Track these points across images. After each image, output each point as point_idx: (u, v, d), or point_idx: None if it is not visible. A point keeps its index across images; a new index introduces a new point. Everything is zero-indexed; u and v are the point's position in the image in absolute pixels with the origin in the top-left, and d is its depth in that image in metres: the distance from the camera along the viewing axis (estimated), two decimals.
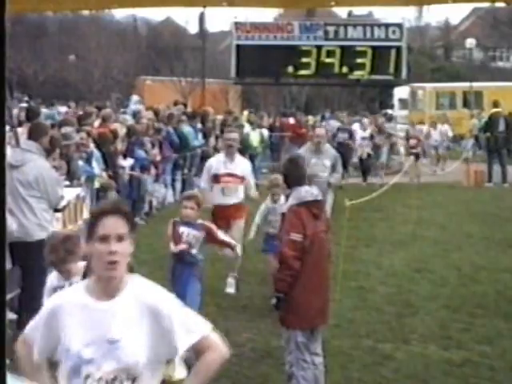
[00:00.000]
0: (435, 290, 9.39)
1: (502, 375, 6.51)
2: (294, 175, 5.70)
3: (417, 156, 21.11)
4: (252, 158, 20.52)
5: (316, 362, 5.70)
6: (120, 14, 53.81)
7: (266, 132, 24.06)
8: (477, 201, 17.37)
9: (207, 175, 9.32)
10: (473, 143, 26.66)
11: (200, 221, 7.02)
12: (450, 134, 27.14)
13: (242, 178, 9.17)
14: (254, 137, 21.87)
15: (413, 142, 21.65)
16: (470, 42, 38.14)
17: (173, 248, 6.99)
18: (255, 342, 7.25)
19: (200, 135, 18.57)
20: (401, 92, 34.04)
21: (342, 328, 7.70)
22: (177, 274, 6.99)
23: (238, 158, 9.42)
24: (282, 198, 7.30)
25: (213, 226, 7.19)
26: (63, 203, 8.14)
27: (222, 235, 7.23)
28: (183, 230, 6.91)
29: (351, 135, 22.01)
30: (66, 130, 10.33)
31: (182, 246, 6.89)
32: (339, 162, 11.06)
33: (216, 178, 9.16)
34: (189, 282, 6.85)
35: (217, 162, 9.29)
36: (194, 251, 6.91)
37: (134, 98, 27.28)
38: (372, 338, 7.45)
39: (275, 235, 7.40)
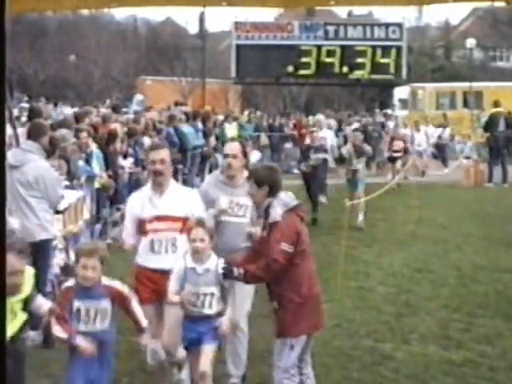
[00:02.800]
0: (435, 290, 9.39)
1: (502, 375, 6.51)
2: (277, 183, 5.53)
3: (396, 159, 19.44)
4: None
5: (307, 370, 5.59)
6: (120, 14, 53.87)
7: (250, 127, 23.23)
8: (477, 201, 17.37)
9: (131, 222, 5.91)
10: (471, 146, 25.23)
11: (106, 281, 5.07)
12: (447, 134, 26.67)
13: (184, 221, 5.73)
14: (230, 130, 20.43)
15: (398, 143, 19.77)
16: (470, 42, 38.15)
17: (60, 336, 4.98)
18: (255, 342, 7.24)
19: (200, 135, 18.57)
20: (401, 92, 34.05)
21: (341, 328, 7.70)
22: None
23: (173, 187, 5.96)
24: (213, 256, 5.46)
25: (126, 292, 5.17)
26: (64, 205, 8.14)
27: (137, 308, 5.21)
28: (79, 305, 4.94)
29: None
30: (60, 131, 10.30)
31: (77, 342, 4.91)
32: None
33: (141, 226, 5.81)
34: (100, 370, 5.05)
35: (140, 199, 5.90)
36: (105, 325, 5.04)
37: (138, 97, 27.24)
38: (372, 337, 7.45)
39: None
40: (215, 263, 5.38)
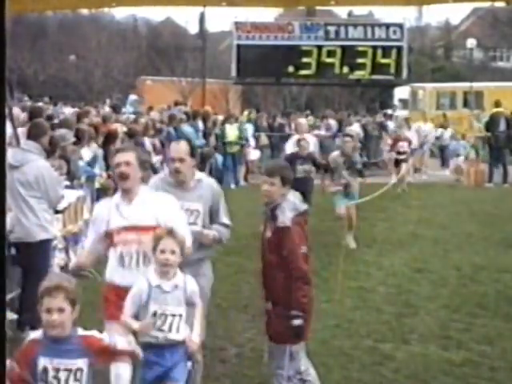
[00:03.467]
0: (435, 290, 9.39)
1: (502, 375, 6.51)
2: (289, 176, 5.46)
3: (402, 161, 18.52)
4: (233, 159, 19.91)
5: (309, 372, 5.53)
6: (120, 14, 53.87)
7: (250, 127, 23.22)
8: (477, 201, 17.37)
9: (94, 234, 5.31)
10: (464, 145, 23.82)
11: (80, 331, 3.94)
12: (447, 135, 26.02)
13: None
14: (231, 131, 20.10)
15: (403, 144, 18.67)
16: (471, 42, 38.17)
17: None
18: (255, 341, 7.24)
19: (201, 135, 18.59)
20: (401, 92, 34.06)
21: (341, 328, 7.70)
22: None
23: (143, 193, 5.24)
24: (179, 272, 4.85)
25: (98, 340, 3.97)
26: (64, 205, 8.15)
27: (118, 343, 4.06)
28: (45, 363, 3.81)
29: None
30: (59, 131, 10.31)
31: None
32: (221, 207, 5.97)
33: (108, 238, 5.21)
34: None
35: (107, 208, 5.27)
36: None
37: (131, 97, 27.25)
38: (372, 337, 7.45)
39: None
40: (183, 279, 4.77)
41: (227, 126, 19.87)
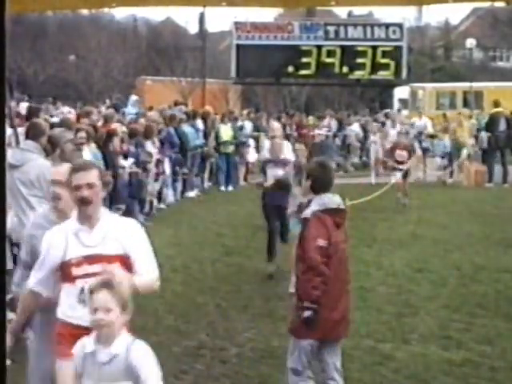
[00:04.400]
0: (435, 290, 9.39)
1: (502, 375, 6.51)
2: (323, 180, 5.50)
3: (405, 174, 16.26)
4: (227, 159, 19.48)
5: (336, 379, 5.50)
6: (120, 14, 53.79)
7: (249, 127, 22.74)
8: (477, 201, 17.37)
9: (46, 269, 4.46)
10: (444, 144, 22.33)
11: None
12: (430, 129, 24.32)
13: (123, 260, 4.39)
14: (225, 131, 19.64)
15: (402, 153, 16.33)
16: (470, 42, 38.16)
17: None
18: (255, 341, 7.24)
19: (201, 135, 18.58)
20: (401, 92, 34.06)
21: None
22: None
23: (106, 217, 4.51)
24: (124, 336, 3.91)
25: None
26: None
27: None
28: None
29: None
30: (54, 131, 10.29)
31: None
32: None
33: (64, 271, 4.40)
34: None
35: (63, 236, 4.43)
36: None
37: (133, 97, 27.25)
38: (372, 337, 7.46)
39: None
40: (125, 345, 3.74)
41: (221, 126, 19.65)
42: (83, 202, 4.35)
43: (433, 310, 8.50)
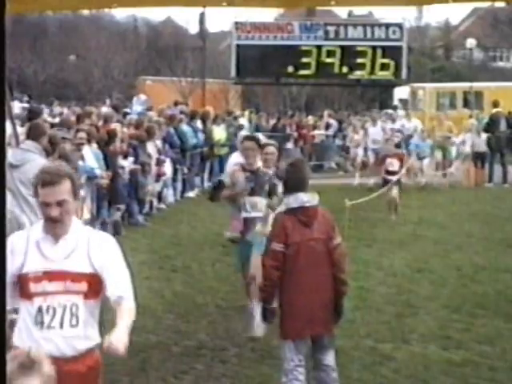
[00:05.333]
0: (435, 290, 9.39)
1: (502, 375, 6.51)
2: (293, 179, 5.55)
3: (396, 183, 14.56)
4: (220, 162, 18.90)
5: (326, 371, 5.55)
6: (120, 14, 53.89)
7: (248, 128, 22.36)
8: (477, 201, 17.37)
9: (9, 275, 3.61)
10: (431, 145, 20.74)
11: None
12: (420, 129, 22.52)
13: (91, 279, 3.79)
14: (218, 132, 19.22)
15: (393, 162, 14.80)
16: (471, 42, 38.16)
17: None
18: (255, 341, 7.24)
19: (200, 135, 18.56)
20: (401, 92, 34.04)
21: (341, 328, 7.68)
22: None
23: (76, 228, 3.87)
24: None
25: None
26: None
27: None
28: None
29: None
30: (59, 131, 10.31)
31: None
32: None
33: (22, 286, 3.80)
34: None
35: (23, 244, 3.80)
36: None
37: (141, 97, 27.25)
38: (372, 337, 7.46)
39: None
40: None
41: (214, 127, 19.29)
42: (52, 221, 3.74)
43: (433, 309, 8.50)
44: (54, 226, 3.76)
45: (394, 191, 14.39)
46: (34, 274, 3.72)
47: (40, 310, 3.72)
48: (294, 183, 5.52)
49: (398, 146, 19.01)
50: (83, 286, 3.73)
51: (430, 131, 21.33)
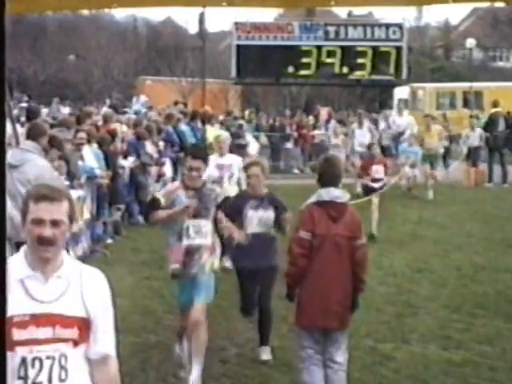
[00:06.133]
0: (435, 290, 9.40)
1: (502, 375, 6.51)
2: (326, 174, 5.68)
3: (375, 191, 13.19)
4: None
5: (334, 368, 5.63)
6: (120, 14, 53.87)
7: (250, 127, 22.36)
8: (477, 201, 17.36)
9: None
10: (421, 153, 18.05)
11: None
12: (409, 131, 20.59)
13: (83, 325, 3.19)
14: (211, 134, 17.88)
15: (378, 169, 13.39)
16: (470, 42, 38.18)
17: None
18: (255, 341, 7.24)
19: (199, 135, 18.52)
20: (401, 92, 34.05)
21: None
22: None
23: (68, 264, 3.25)
24: None
25: None
26: None
27: None
28: None
29: None
30: (58, 132, 10.31)
31: None
32: None
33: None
34: None
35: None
36: None
37: (142, 98, 27.28)
38: (372, 337, 7.46)
39: None
40: None
41: (207, 128, 18.66)
42: (43, 242, 3.10)
43: (433, 309, 8.50)
44: (45, 250, 3.08)
45: (375, 201, 12.95)
46: (19, 318, 3.03)
47: (24, 361, 3.07)
48: (328, 178, 5.64)
49: (385, 148, 18.64)
50: (74, 332, 3.13)
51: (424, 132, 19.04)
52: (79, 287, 3.19)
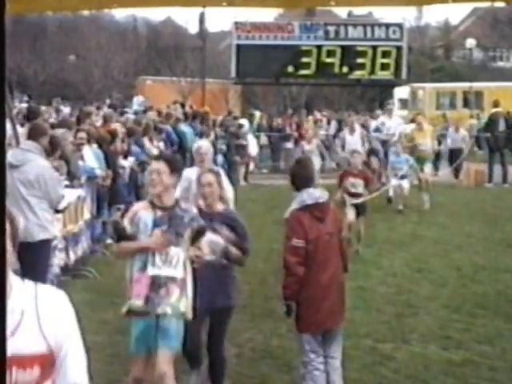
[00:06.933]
0: (435, 290, 9.40)
1: (502, 375, 6.51)
2: (300, 176, 5.66)
3: (361, 209, 11.46)
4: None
5: (333, 365, 5.66)
6: (120, 14, 53.88)
7: (250, 128, 22.57)
8: (477, 201, 17.37)
9: None
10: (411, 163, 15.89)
11: None
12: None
13: (46, 361, 2.59)
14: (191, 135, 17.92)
15: (356, 183, 11.33)
16: (470, 42, 38.22)
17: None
18: (255, 341, 7.24)
19: (199, 135, 18.55)
20: (401, 92, 34.06)
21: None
22: None
23: (18, 289, 2.58)
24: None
25: None
26: (64, 204, 8.15)
27: None
28: None
29: None
30: (56, 131, 10.31)
31: None
32: None
33: None
34: None
35: None
36: None
37: (140, 98, 27.29)
38: (372, 337, 7.46)
39: None
40: None
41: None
42: None
43: (433, 309, 8.50)
44: None
45: (351, 213, 11.33)
46: None
47: None
48: (302, 180, 5.62)
49: (372, 152, 17.25)
50: (35, 373, 2.61)
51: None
52: (35, 318, 2.58)
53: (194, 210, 5.45)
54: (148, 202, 5.30)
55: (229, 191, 7.20)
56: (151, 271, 5.05)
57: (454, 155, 21.49)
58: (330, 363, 5.65)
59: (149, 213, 5.18)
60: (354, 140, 16.51)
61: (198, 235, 5.25)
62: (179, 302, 5.08)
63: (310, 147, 19.11)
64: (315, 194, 5.55)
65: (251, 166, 22.28)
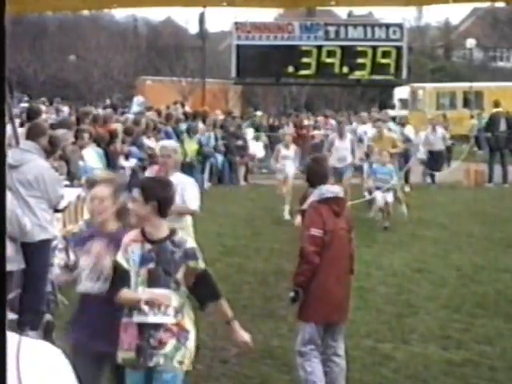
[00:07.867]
0: (435, 290, 9.39)
1: (502, 375, 6.51)
2: (317, 173, 5.85)
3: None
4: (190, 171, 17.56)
5: (336, 361, 5.75)
6: (120, 14, 53.87)
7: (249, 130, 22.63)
8: (477, 201, 17.37)
9: None
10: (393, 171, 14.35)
11: None
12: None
13: None
14: (189, 146, 17.39)
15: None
16: (470, 42, 38.23)
17: None
18: (255, 342, 7.23)
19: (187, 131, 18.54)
20: (401, 92, 34.08)
21: None
22: None
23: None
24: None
25: None
26: (64, 204, 8.15)
27: None
28: None
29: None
30: (57, 132, 10.32)
31: None
32: None
33: None
34: None
35: None
36: None
37: (139, 98, 27.29)
38: (372, 337, 7.46)
39: None
40: None
41: (185, 139, 17.43)
42: None
43: (433, 310, 8.50)
44: None
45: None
46: None
47: None
48: (319, 176, 5.81)
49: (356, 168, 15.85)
50: None
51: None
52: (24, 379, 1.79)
53: (190, 244, 4.57)
54: (139, 233, 4.55)
55: (192, 204, 7.03)
56: (136, 318, 4.40)
57: (434, 159, 19.88)
58: (336, 362, 5.69)
59: (137, 246, 4.49)
60: (344, 145, 15.54)
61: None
62: (176, 351, 4.41)
63: (287, 153, 16.69)
64: (335, 189, 5.77)
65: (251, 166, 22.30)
